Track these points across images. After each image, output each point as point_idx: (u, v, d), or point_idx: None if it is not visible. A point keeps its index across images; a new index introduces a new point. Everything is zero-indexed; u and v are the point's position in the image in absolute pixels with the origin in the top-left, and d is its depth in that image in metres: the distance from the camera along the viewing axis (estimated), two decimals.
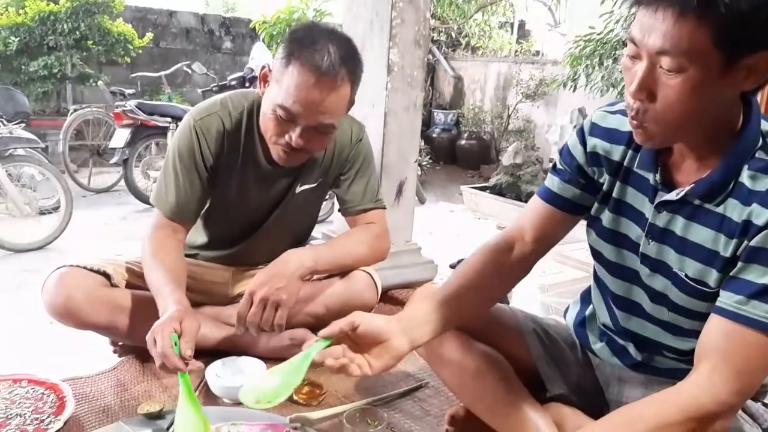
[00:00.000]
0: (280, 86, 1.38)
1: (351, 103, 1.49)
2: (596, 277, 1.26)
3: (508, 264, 1.21)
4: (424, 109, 7.57)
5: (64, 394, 1.35)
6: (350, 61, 1.41)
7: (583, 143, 1.15)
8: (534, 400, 1.23)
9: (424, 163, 6.08)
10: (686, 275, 1.02)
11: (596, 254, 1.21)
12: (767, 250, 0.90)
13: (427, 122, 7.91)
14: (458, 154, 7.57)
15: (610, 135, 1.11)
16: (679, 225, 1.02)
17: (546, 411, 1.22)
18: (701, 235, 0.99)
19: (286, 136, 1.41)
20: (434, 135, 7.72)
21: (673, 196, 1.01)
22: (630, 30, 0.90)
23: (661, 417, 0.91)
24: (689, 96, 0.86)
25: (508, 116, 7.21)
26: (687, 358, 1.06)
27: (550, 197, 1.20)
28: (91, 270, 1.52)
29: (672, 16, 0.83)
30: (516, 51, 8.67)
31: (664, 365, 1.15)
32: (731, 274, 0.94)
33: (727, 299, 0.93)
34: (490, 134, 7.45)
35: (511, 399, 1.21)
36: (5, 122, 3.92)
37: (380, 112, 2.21)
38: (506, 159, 5.13)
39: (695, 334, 1.00)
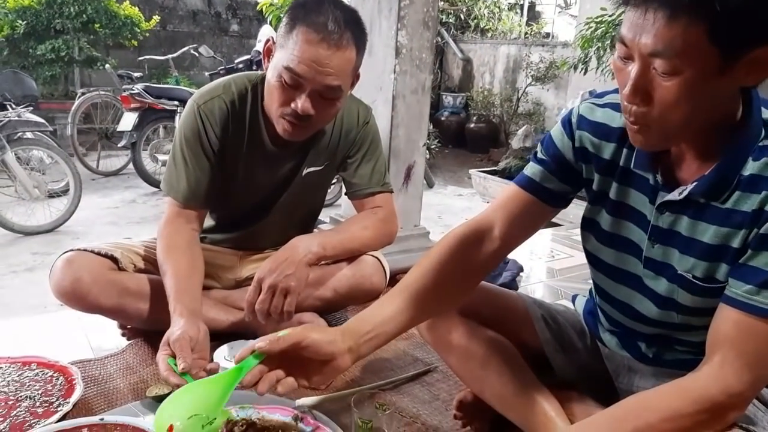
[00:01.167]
0: (285, 50, 1.36)
1: (356, 72, 1.47)
2: (595, 283, 1.22)
3: (475, 261, 1.13)
4: (433, 92, 7.52)
5: (74, 377, 1.35)
6: (355, 25, 1.40)
7: (571, 136, 1.10)
8: (542, 386, 1.21)
9: (433, 147, 6.06)
10: (693, 276, 0.98)
11: (595, 260, 1.16)
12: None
13: (436, 105, 7.87)
14: (467, 137, 7.53)
15: (600, 130, 1.06)
16: (683, 225, 0.98)
17: (554, 397, 1.22)
18: (708, 233, 0.95)
19: (292, 104, 1.39)
20: (443, 118, 7.68)
21: (675, 196, 0.96)
22: (620, 30, 0.85)
23: (671, 408, 0.90)
24: (687, 97, 0.82)
25: (518, 99, 7.15)
26: (700, 349, 1.02)
27: (531, 186, 1.13)
28: (99, 254, 1.51)
29: (663, 18, 0.78)
30: (526, 33, 8.57)
31: (676, 357, 1.13)
32: (740, 261, 0.91)
33: (736, 288, 0.90)
34: (500, 117, 7.40)
35: (519, 384, 1.20)
36: (14, 105, 3.94)
37: (388, 95, 2.18)
38: (516, 142, 5.09)
39: (708, 328, 0.98)
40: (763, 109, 0.91)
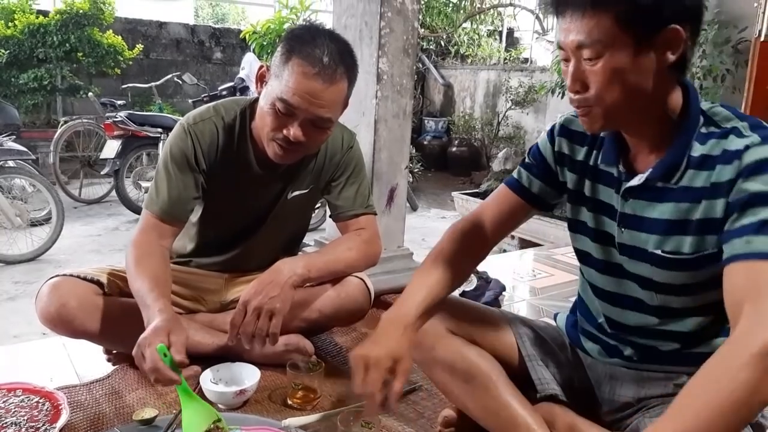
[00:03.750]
0: (280, 80, 1.40)
1: (346, 103, 1.51)
2: (585, 282, 1.29)
3: (476, 250, 1.31)
4: (415, 117, 7.62)
5: (60, 402, 1.35)
6: (348, 59, 1.44)
7: (552, 142, 1.26)
8: (525, 400, 1.24)
9: (416, 170, 6.12)
10: (663, 251, 1.08)
11: (584, 256, 1.25)
12: (746, 196, 0.95)
13: (418, 130, 7.97)
14: (449, 160, 7.62)
15: (575, 136, 1.22)
16: (645, 208, 1.10)
17: (537, 410, 1.24)
18: (669, 210, 1.06)
19: (284, 131, 1.42)
20: (425, 142, 7.77)
21: (635, 182, 1.09)
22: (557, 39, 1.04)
23: (736, 367, 0.82)
24: (614, 77, 0.97)
25: (498, 123, 7.27)
26: (684, 341, 1.14)
27: (518, 188, 1.29)
28: (84, 279, 1.52)
29: (579, 16, 0.97)
30: (505, 59, 8.74)
31: (660, 357, 1.18)
32: (725, 228, 0.97)
33: (731, 247, 0.94)
34: (481, 141, 7.51)
35: (503, 400, 1.22)
36: None
37: (370, 120, 2.23)
38: (496, 165, 5.17)
39: (688, 312, 1.11)
40: (701, 99, 1.07)
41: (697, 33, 1.01)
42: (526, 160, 1.31)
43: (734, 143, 0.99)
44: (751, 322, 0.86)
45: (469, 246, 1.28)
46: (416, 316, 1.15)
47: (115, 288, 1.57)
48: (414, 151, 5.98)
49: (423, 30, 7.69)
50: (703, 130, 1.04)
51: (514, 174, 1.32)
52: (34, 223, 3.94)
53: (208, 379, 1.47)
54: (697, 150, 1.03)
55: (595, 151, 1.19)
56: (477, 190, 5.08)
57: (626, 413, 1.24)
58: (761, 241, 0.91)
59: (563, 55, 1.04)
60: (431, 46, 8.37)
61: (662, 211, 1.07)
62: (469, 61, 8.47)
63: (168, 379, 1.18)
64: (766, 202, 0.93)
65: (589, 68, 0.99)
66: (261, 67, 1.50)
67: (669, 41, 0.96)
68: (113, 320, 1.51)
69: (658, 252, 1.08)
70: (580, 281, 1.33)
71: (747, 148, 0.97)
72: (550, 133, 1.27)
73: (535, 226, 3.91)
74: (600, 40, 0.96)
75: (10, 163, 3.85)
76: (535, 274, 2.94)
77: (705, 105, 1.06)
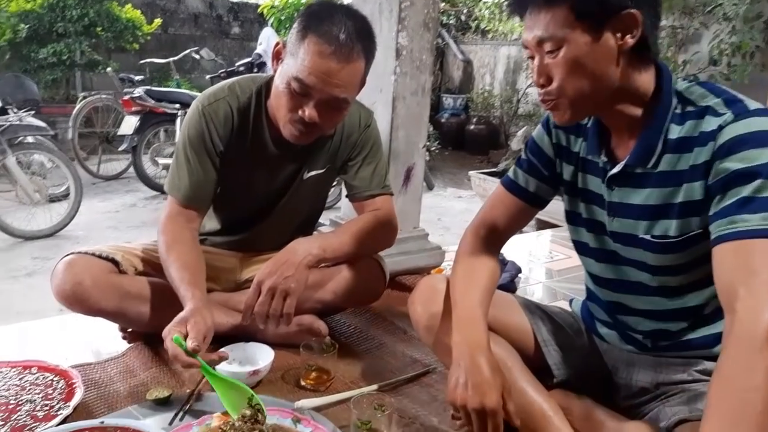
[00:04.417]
0: (296, 59, 1.37)
1: (363, 82, 1.47)
2: (589, 274, 1.30)
3: (495, 254, 1.33)
4: (433, 93, 7.51)
5: (74, 381, 1.36)
6: (366, 37, 1.40)
7: (549, 134, 1.25)
8: (540, 385, 1.23)
9: (433, 149, 6.05)
10: (652, 236, 1.08)
11: (583, 247, 1.26)
12: (725, 176, 0.94)
13: (436, 107, 7.86)
14: (467, 139, 7.52)
15: (571, 127, 1.21)
16: (630, 195, 1.10)
17: (553, 396, 1.23)
18: (653, 195, 1.07)
19: (300, 111, 1.40)
20: (443, 120, 7.67)
21: (616, 170, 1.10)
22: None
23: (749, 364, 0.82)
24: (574, 66, 1.00)
25: (518, 100, 7.15)
26: (694, 319, 1.14)
27: (515, 189, 1.30)
28: (100, 257, 1.52)
29: (536, 12, 1.01)
30: None
31: (672, 339, 1.17)
32: (711, 212, 0.97)
33: (718, 228, 0.94)
34: (500, 119, 7.40)
35: (518, 386, 1.20)
36: (15, 110, 3.95)
37: (388, 97, 2.19)
38: (515, 144, 5.08)
39: (688, 288, 1.11)
40: (676, 80, 1.06)
41: (657, 14, 1.02)
42: (522, 156, 1.30)
43: (709, 123, 0.99)
44: (748, 307, 0.86)
45: (494, 256, 1.31)
46: (487, 338, 1.14)
47: (130, 266, 1.57)
48: (431, 128, 5.91)
49: (443, 4, 7.55)
50: (678, 110, 1.04)
51: (510, 174, 1.32)
52: (52, 199, 3.99)
53: None
54: (675, 132, 1.03)
55: (584, 142, 1.19)
56: (495, 170, 5.00)
57: (644, 399, 1.23)
58: (744, 219, 0.91)
59: (527, 53, 1.07)
60: (451, 21, 8.22)
61: (646, 196, 1.08)
62: (489, 36, 8.30)
63: (187, 364, 1.22)
64: (745, 180, 0.92)
65: (551, 61, 1.02)
66: (277, 44, 1.46)
67: (626, 26, 0.98)
68: (128, 298, 1.51)
69: (648, 237, 1.09)
70: (585, 272, 1.32)
71: (720, 128, 0.97)
72: (546, 125, 1.26)
73: (552, 206, 3.86)
74: (557, 33, 0.99)
75: (30, 139, 3.88)
76: (552, 256, 2.91)
77: (682, 85, 1.06)
